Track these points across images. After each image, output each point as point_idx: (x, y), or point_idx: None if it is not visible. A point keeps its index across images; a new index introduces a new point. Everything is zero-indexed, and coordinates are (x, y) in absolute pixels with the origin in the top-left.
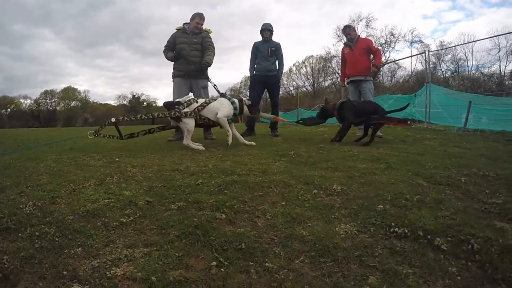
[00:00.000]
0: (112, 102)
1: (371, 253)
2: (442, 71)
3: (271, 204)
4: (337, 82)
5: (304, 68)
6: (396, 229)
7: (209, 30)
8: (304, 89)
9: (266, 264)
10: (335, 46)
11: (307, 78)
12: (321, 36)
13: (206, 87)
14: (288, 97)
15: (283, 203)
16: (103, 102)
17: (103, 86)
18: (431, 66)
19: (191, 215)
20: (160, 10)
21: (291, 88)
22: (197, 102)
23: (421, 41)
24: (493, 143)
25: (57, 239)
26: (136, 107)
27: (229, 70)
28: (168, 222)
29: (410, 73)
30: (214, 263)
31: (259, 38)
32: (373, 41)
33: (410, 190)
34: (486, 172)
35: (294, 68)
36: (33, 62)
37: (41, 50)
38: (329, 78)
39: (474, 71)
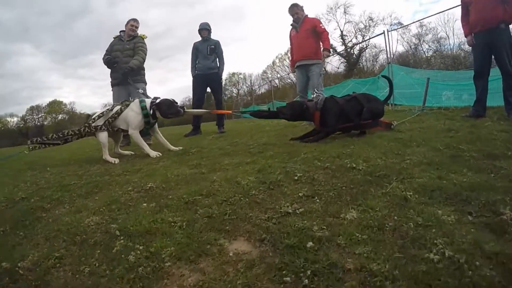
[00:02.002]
0: (99, 111)
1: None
2: (424, 51)
3: (109, 189)
4: (324, 70)
5: (287, 59)
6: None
7: (143, 35)
8: (289, 80)
9: None
10: None
11: None
12: None
13: (144, 91)
14: (274, 89)
15: (111, 186)
16: (90, 112)
17: (90, 96)
18: (412, 47)
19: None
20: (139, 14)
21: (276, 81)
22: (111, 111)
23: (400, 23)
24: (436, 122)
25: None
26: None
27: None
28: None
29: (392, 56)
30: None
31: (239, 34)
32: (320, 21)
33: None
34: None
35: (277, 61)
36: (16, 79)
37: (23, 66)
38: None
39: (457, 49)
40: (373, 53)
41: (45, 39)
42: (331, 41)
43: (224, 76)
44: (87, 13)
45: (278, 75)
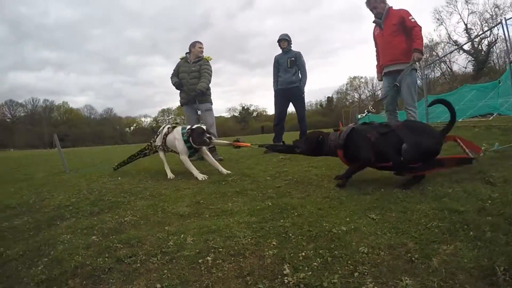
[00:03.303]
0: (224, 115)
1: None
2: None
3: (112, 211)
4: (447, 72)
5: None
6: None
7: (208, 57)
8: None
9: None
10: (436, 31)
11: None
12: (420, 22)
13: (209, 110)
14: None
15: (117, 210)
16: (217, 115)
17: (216, 101)
18: None
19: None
20: (256, 24)
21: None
22: (162, 132)
23: None
24: None
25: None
26: (246, 118)
27: (334, 72)
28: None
29: None
30: None
31: (360, 35)
32: (410, 13)
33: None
34: None
35: None
36: (149, 86)
37: (154, 74)
38: (437, 67)
39: None
40: (504, 50)
41: (173, 51)
42: (455, 37)
43: (345, 80)
44: (208, 27)
45: None
